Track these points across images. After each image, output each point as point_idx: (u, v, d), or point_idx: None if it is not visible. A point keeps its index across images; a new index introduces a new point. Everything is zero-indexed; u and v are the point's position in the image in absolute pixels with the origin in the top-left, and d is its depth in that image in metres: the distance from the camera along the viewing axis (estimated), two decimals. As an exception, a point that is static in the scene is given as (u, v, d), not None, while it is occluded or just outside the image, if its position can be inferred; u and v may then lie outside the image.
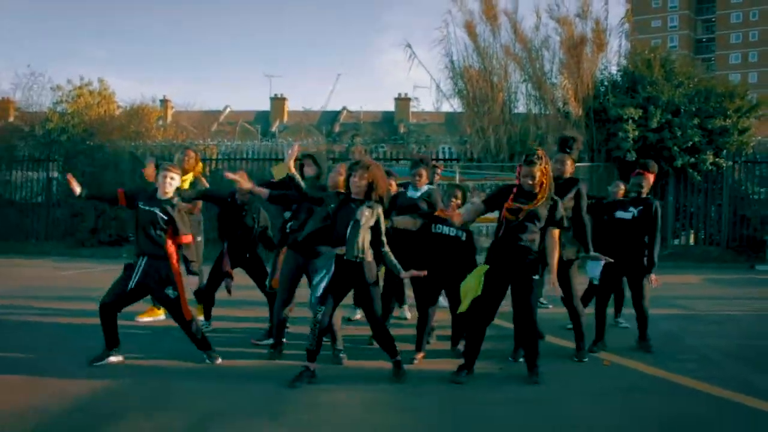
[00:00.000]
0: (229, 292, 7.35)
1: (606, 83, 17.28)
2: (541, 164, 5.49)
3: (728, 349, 6.74)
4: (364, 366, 6.00)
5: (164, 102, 46.19)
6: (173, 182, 5.97)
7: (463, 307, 5.64)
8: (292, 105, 51.54)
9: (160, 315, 8.09)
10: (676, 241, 17.36)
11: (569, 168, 6.59)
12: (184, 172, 7.60)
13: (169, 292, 5.91)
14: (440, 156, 19.64)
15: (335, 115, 45.71)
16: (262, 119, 49.86)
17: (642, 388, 5.36)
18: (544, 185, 5.52)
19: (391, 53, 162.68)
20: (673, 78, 16.90)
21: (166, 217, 5.88)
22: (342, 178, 5.77)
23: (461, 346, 6.35)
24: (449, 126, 27.55)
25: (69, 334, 7.26)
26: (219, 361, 6.05)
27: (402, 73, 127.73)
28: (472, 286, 5.56)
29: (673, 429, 4.47)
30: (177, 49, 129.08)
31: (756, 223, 16.78)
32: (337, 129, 37.80)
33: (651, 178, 6.99)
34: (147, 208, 5.92)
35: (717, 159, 16.42)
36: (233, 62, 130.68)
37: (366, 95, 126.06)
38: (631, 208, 6.87)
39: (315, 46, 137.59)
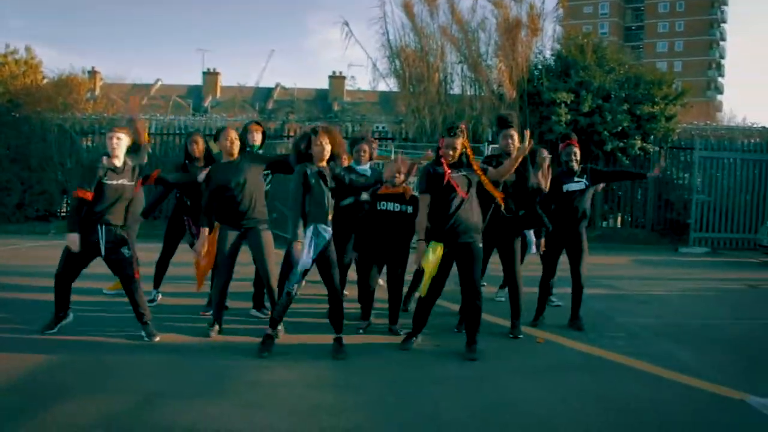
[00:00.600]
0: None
1: (540, 67, 17.50)
2: (463, 136, 5.72)
3: (655, 327, 6.98)
4: (306, 342, 6.00)
5: (93, 74, 44.91)
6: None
7: (424, 289, 5.75)
8: (225, 80, 50.91)
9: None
10: (605, 224, 17.82)
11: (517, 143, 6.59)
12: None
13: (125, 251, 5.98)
14: (375, 135, 19.59)
15: (269, 91, 45.29)
16: (195, 94, 49.05)
17: (577, 365, 5.51)
18: (471, 156, 5.78)
19: (324, 33, 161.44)
20: (604, 64, 17.21)
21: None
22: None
23: (399, 326, 6.51)
24: (384, 105, 27.58)
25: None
26: (157, 338, 5.96)
27: (336, 52, 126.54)
28: (432, 266, 5.61)
29: (608, 405, 4.60)
30: (105, 22, 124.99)
31: (679, 207, 17.29)
32: (270, 105, 37.37)
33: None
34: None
35: (644, 144, 16.85)
36: (165, 35, 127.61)
37: (300, 73, 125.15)
38: (576, 178, 6.93)
39: (248, 22, 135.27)
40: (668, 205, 17.40)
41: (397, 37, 17.41)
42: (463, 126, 5.85)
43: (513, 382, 5.05)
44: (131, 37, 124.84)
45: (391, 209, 6.49)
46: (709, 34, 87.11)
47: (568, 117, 16.17)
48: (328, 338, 5.71)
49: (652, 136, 17.00)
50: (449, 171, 5.66)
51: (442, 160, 5.74)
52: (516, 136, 6.57)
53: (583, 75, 16.59)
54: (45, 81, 20.34)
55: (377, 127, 20.99)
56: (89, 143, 18.55)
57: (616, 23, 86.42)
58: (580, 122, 16.23)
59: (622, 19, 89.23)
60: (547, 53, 18.17)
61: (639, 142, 16.68)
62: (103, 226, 5.88)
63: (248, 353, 5.57)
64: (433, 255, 5.60)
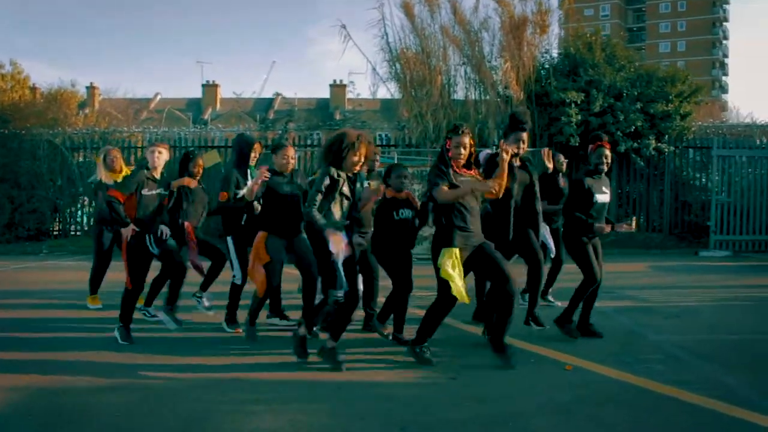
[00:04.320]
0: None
1: (547, 66, 16.82)
2: (470, 135, 5.49)
3: (693, 347, 6.18)
4: (296, 379, 5.24)
5: (91, 89, 44.47)
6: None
7: (461, 295, 5.23)
8: (224, 92, 50.38)
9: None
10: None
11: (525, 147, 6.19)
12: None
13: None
14: (377, 142, 18.89)
15: (269, 102, 44.69)
16: (194, 106, 48.64)
17: (612, 398, 4.73)
18: (474, 155, 5.55)
19: (325, 44, 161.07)
20: (614, 61, 16.56)
21: None
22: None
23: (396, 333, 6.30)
24: (385, 113, 26.91)
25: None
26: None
27: (337, 63, 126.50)
28: (454, 272, 5.21)
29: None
30: (105, 37, 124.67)
31: (697, 209, 16.59)
32: (271, 116, 36.74)
33: None
34: None
35: (659, 144, 16.14)
36: (164, 49, 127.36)
37: (301, 83, 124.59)
38: (605, 188, 6.50)
39: (248, 34, 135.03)
40: (685, 207, 16.68)
41: (397, 40, 16.79)
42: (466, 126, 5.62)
43: (542, 422, 4.27)
44: (129, 51, 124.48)
45: (408, 217, 6.37)
46: (712, 33, 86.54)
47: (579, 117, 15.48)
48: (322, 375, 5.00)
49: (666, 136, 16.28)
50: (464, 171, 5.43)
51: (452, 162, 5.39)
52: (527, 141, 6.15)
53: (592, 73, 15.92)
54: (39, 95, 19.76)
55: (379, 135, 20.26)
56: (80, 158, 17.85)
57: (617, 25, 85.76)
58: (591, 123, 15.54)
59: (624, 21, 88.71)
60: (554, 52, 17.51)
61: (653, 142, 15.98)
62: (150, 236, 6.39)
63: (231, 390, 4.85)
64: (456, 259, 5.24)
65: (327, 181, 5.23)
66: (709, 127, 18.31)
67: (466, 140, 5.38)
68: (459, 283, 5.18)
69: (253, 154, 6.87)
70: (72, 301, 8.58)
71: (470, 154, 5.47)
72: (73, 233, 17.88)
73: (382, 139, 19.03)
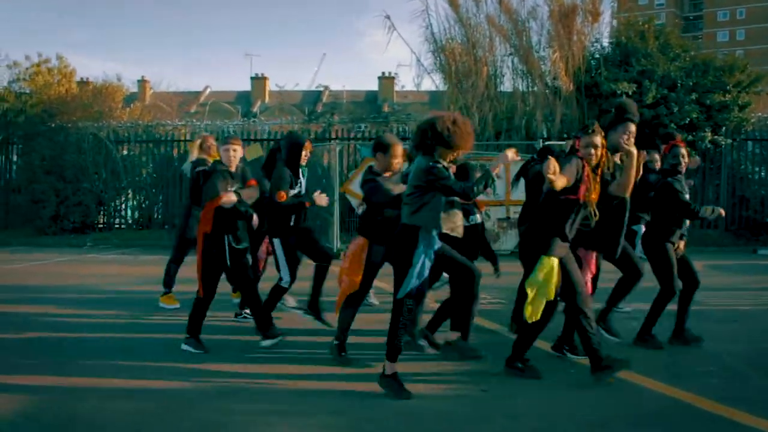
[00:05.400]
0: None
1: (597, 56, 16.26)
2: (601, 133, 5.01)
3: (753, 358, 5.70)
4: (317, 389, 4.97)
5: (142, 82, 45.04)
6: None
7: (536, 314, 4.85)
8: (273, 85, 50.47)
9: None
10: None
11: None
12: None
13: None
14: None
15: (317, 95, 44.62)
16: (243, 99, 48.89)
17: (658, 416, 4.33)
18: (603, 158, 5.01)
19: (374, 35, 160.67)
20: (668, 51, 15.94)
21: None
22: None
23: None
24: (433, 104, 26.55)
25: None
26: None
27: (385, 54, 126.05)
28: (547, 289, 4.81)
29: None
30: (158, 30, 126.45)
31: (756, 204, 15.88)
32: (319, 109, 36.71)
33: None
34: None
35: (715, 136, 15.46)
36: (214, 42, 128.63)
37: (350, 76, 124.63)
38: (687, 188, 6.20)
39: (297, 27, 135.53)
40: (743, 202, 15.96)
41: (442, 30, 16.40)
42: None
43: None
44: (181, 44, 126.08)
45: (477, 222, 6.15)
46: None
47: (631, 109, 14.87)
48: (346, 385, 4.77)
49: (723, 128, 15.59)
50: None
51: (583, 162, 4.91)
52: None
53: (645, 63, 15.33)
54: (92, 88, 19.90)
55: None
56: (125, 152, 17.91)
57: (673, 14, 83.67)
58: (644, 114, 14.89)
59: (680, 9, 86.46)
60: (605, 41, 16.94)
61: (709, 134, 15.32)
62: (229, 236, 5.90)
63: (248, 399, 4.61)
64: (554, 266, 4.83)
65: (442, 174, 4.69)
66: (768, 118, 17.51)
67: (598, 140, 4.93)
68: (537, 298, 4.81)
69: (304, 153, 6.48)
70: (104, 295, 8.48)
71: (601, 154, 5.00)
72: (117, 226, 17.98)
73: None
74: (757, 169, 16.58)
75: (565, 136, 15.27)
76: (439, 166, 4.66)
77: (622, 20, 18.98)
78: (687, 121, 15.10)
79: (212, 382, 5.02)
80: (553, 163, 4.48)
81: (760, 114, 16.99)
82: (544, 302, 4.80)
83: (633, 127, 5.37)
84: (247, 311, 7.03)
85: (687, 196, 6.06)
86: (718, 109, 15.37)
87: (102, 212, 17.97)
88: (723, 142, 15.63)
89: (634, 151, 5.06)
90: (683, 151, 6.12)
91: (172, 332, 6.47)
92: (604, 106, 15.22)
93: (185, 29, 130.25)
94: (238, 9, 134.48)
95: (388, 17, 16.79)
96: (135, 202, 18.13)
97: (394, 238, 4.84)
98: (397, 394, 4.60)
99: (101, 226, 17.86)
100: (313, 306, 6.48)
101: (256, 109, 44.69)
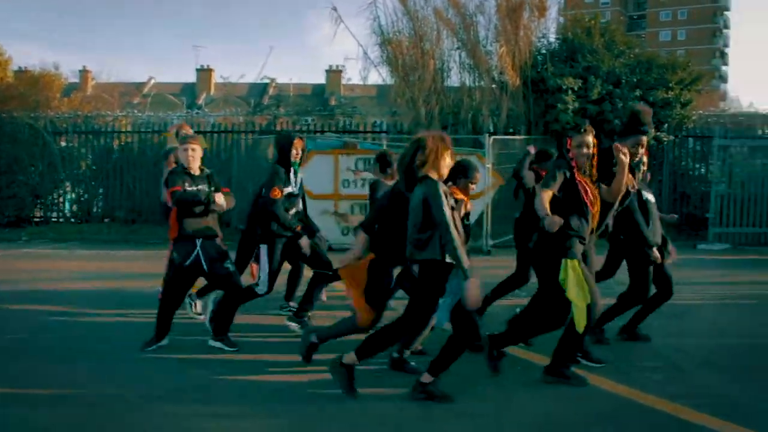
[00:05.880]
0: None
1: (544, 52, 16.30)
2: (593, 132, 4.93)
3: (697, 352, 5.75)
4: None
5: (84, 73, 43.95)
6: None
7: (580, 322, 4.64)
8: (219, 78, 49.82)
9: None
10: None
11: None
12: None
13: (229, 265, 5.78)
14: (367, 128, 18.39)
15: (264, 87, 44.15)
16: (189, 91, 48.21)
17: (602, 415, 4.26)
18: (594, 159, 4.88)
19: (324, 28, 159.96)
20: (613, 48, 16.04)
21: None
22: None
23: None
24: (381, 98, 26.41)
25: None
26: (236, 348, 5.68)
27: (334, 48, 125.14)
28: (581, 291, 4.62)
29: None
30: (100, 21, 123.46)
31: (696, 200, 16.11)
32: (266, 101, 36.26)
33: None
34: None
35: (658, 133, 15.64)
36: (160, 33, 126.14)
37: (300, 69, 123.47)
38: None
39: (248, 19, 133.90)
40: (684, 199, 16.18)
41: (389, 23, 16.20)
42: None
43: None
44: (124, 35, 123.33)
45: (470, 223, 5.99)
46: (713, 22, 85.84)
47: (576, 105, 14.98)
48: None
49: (666, 125, 15.79)
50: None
51: (573, 163, 4.82)
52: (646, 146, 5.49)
53: (590, 59, 15.40)
54: (28, 75, 19.22)
55: (374, 122, 19.76)
56: (63, 143, 17.33)
57: (618, 12, 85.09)
58: (588, 110, 15.04)
59: (625, 8, 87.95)
60: (551, 37, 16.98)
61: (652, 130, 15.44)
62: (200, 239, 5.63)
63: (193, 400, 4.39)
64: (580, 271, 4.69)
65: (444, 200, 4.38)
66: (710, 116, 17.79)
67: (590, 139, 4.83)
68: (582, 305, 4.63)
69: (294, 151, 6.25)
70: (38, 291, 8.12)
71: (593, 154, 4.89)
72: (54, 220, 17.38)
73: (375, 126, 18.50)
74: (697, 165, 16.83)
75: (511, 130, 15.29)
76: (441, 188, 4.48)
77: (568, 17, 19.09)
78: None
79: (134, 388, 4.80)
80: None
81: (701, 111, 17.27)
82: (585, 306, 4.65)
83: (645, 140, 5.27)
84: (293, 303, 6.85)
85: (651, 197, 6.04)
86: (661, 106, 15.52)
87: (38, 205, 17.36)
88: (665, 139, 15.83)
89: (626, 160, 4.92)
90: (645, 159, 5.99)
91: (108, 332, 6.23)
92: (550, 101, 15.27)
93: (130, 19, 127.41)
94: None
95: (335, 9, 16.54)
96: (74, 195, 17.55)
97: None
98: (345, 388, 4.51)
99: (38, 219, 17.23)
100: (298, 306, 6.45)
101: (201, 101, 44.04)
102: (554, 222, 4.48)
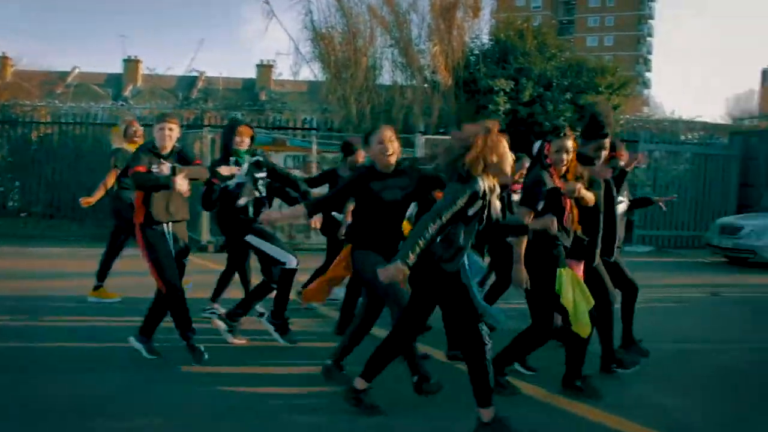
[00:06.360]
0: None
1: (477, 52, 16.32)
2: (573, 136, 4.66)
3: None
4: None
5: (2, 59, 42.15)
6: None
7: (585, 328, 4.53)
8: (147, 69, 48.61)
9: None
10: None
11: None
12: None
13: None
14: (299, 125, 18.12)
15: (193, 80, 43.26)
16: (114, 82, 46.85)
17: (541, 427, 4.15)
18: (573, 163, 4.67)
19: (256, 22, 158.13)
20: (545, 50, 16.21)
21: None
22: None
23: None
24: (312, 95, 26.16)
25: None
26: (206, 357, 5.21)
27: (266, 42, 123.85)
28: (582, 294, 4.54)
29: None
30: (21, 5, 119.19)
31: (619, 202, 16.40)
32: (194, 95, 35.51)
33: None
34: None
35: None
36: (86, 21, 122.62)
37: (232, 63, 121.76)
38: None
39: (176, 9, 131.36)
40: (611, 201, 16.44)
41: (322, 18, 15.97)
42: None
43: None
44: (47, 21, 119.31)
45: None
46: (638, 30, 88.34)
47: (507, 106, 15.05)
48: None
49: (594, 128, 15.98)
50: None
51: (551, 168, 4.59)
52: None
53: (522, 61, 15.50)
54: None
55: (304, 119, 19.48)
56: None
57: (548, 17, 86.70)
58: (519, 112, 15.15)
59: (555, 13, 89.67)
60: (484, 38, 17.03)
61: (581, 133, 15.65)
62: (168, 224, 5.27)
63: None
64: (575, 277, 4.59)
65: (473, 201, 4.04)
66: (635, 120, 18.21)
67: (569, 144, 4.56)
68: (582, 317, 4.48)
69: (238, 138, 5.75)
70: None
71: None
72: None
73: (305, 122, 18.24)
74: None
75: (442, 130, 15.24)
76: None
77: (501, 20, 19.21)
78: (561, 120, 15.40)
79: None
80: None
81: (628, 116, 17.61)
82: (587, 311, 4.52)
83: (607, 142, 5.07)
84: (217, 305, 6.42)
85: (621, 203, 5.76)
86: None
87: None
88: (593, 142, 16.06)
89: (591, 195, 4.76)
90: (621, 162, 5.72)
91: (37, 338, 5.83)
92: (481, 101, 15.29)
93: (54, 5, 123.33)
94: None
95: (267, 2, 16.20)
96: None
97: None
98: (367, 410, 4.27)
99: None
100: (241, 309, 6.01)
101: (127, 92, 42.85)
102: (546, 221, 4.33)
